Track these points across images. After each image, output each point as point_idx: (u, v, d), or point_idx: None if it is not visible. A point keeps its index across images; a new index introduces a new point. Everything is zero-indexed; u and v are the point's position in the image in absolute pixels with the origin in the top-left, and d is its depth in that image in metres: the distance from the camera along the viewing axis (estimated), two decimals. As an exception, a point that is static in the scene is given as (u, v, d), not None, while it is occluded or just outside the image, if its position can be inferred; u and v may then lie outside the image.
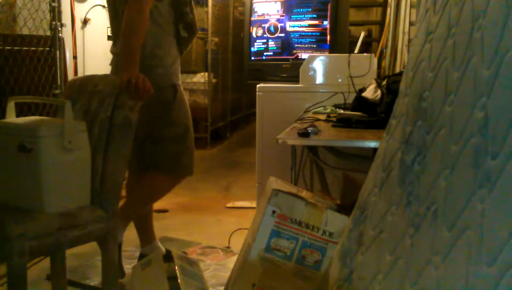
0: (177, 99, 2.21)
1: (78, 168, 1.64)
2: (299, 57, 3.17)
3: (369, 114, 2.11)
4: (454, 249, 0.78)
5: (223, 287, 1.97)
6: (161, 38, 2.16)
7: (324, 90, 2.83)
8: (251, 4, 3.35)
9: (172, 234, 2.89)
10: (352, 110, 2.26)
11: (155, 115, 2.16)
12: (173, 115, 2.21)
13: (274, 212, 1.53)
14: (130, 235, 2.50)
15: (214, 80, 6.16)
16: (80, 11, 3.77)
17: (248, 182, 4.05)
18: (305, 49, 3.17)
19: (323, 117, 2.34)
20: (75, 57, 3.70)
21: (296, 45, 3.23)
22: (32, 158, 1.55)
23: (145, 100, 1.85)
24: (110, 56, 2.30)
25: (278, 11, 3.27)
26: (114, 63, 2.23)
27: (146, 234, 2.38)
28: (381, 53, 4.09)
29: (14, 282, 1.47)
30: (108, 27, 3.50)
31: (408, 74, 1.13)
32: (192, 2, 2.27)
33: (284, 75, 3.17)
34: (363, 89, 2.27)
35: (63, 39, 3.06)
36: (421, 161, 0.96)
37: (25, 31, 2.95)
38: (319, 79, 2.93)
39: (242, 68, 3.67)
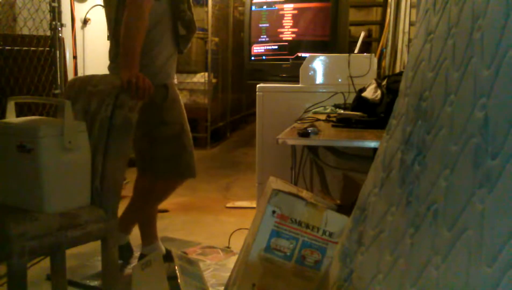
0: (168, 98, 2.18)
1: (78, 168, 1.64)
2: (299, 57, 3.16)
3: (369, 114, 2.11)
4: (454, 249, 0.78)
5: (223, 287, 1.97)
6: (152, 37, 2.12)
7: (324, 90, 2.83)
8: (251, 4, 3.35)
9: (172, 234, 2.88)
10: (352, 110, 2.26)
11: (149, 115, 2.13)
12: (166, 114, 2.18)
13: (274, 212, 1.52)
14: (130, 235, 2.50)
15: (214, 80, 6.16)
16: (80, 11, 3.77)
17: (248, 182, 4.05)
18: (305, 49, 3.17)
19: (323, 117, 2.34)
20: (75, 57, 3.69)
21: (296, 45, 3.23)
22: (32, 158, 1.55)
23: (146, 99, 1.85)
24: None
25: (278, 11, 3.27)
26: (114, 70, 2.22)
27: (148, 235, 2.38)
28: (381, 53, 4.08)
29: (14, 282, 1.47)
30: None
31: (408, 74, 1.13)
32: (190, 0, 2.26)
33: (284, 75, 3.17)
34: (363, 89, 2.27)
35: (63, 39, 3.06)
36: (421, 161, 0.96)
37: (25, 31, 2.94)
38: (319, 79, 2.93)
39: (242, 68, 3.66)
